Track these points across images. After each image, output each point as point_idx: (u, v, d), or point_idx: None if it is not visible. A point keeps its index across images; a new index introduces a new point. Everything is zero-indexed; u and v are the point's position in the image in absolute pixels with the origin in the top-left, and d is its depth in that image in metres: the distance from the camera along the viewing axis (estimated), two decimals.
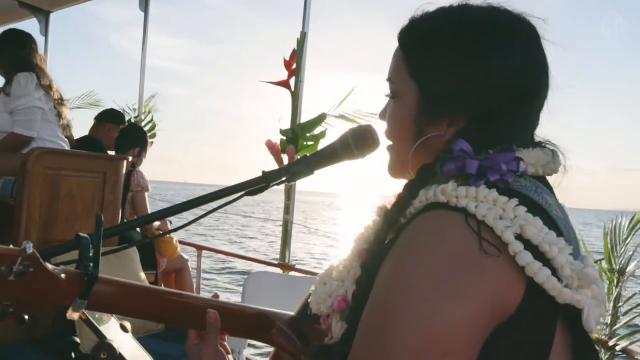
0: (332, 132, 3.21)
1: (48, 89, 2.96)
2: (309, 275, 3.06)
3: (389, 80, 0.85)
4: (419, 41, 0.81)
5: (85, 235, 0.76)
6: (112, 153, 3.59)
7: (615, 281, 2.58)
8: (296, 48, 3.18)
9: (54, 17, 5.08)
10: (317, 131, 3.14)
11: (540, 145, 0.80)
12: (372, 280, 0.72)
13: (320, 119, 3.14)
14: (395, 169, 0.88)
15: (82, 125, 3.16)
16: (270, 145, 3.17)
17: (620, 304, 2.53)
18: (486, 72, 0.76)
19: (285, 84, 3.23)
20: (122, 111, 4.25)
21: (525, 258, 0.64)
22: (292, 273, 3.22)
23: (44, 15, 5.02)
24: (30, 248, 0.70)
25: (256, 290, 2.60)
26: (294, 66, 3.19)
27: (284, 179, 0.94)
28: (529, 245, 0.65)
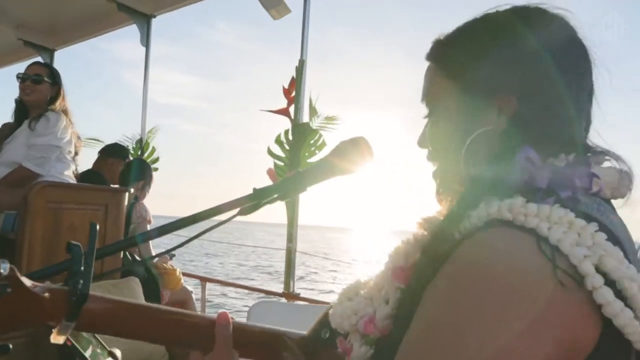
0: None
1: (74, 133, 3.01)
2: (313, 304, 3.01)
3: (425, 96, 0.80)
4: (450, 46, 0.77)
5: (78, 243, 0.69)
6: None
7: None
8: (295, 76, 3.20)
9: (58, 54, 5.19)
10: (315, 157, 3.13)
11: (604, 154, 0.72)
12: (416, 303, 0.63)
13: (313, 132, 3.14)
14: (445, 193, 0.78)
15: (83, 161, 3.20)
16: (272, 174, 3.17)
17: None
18: (523, 50, 0.71)
19: (285, 112, 3.24)
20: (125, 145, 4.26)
21: (606, 295, 0.54)
22: (297, 302, 3.17)
23: (48, 54, 5.12)
24: (5, 268, 0.64)
25: (260, 319, 2.55)
26: (293, 94, 3.21)
27: (276, 195, 0.92)
28: (607, 279, 0.56)
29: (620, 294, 0.56)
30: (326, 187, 0.95)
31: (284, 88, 3.23)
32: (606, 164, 0.70)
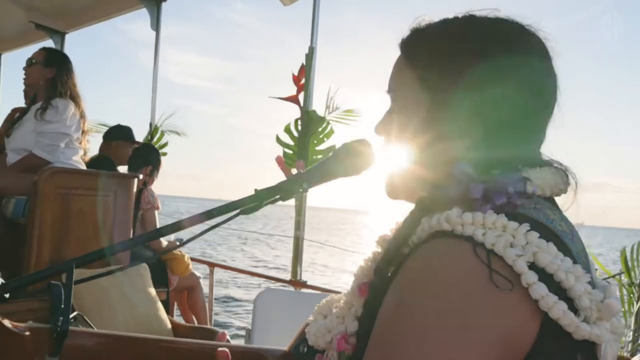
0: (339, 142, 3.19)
1: (81, 117, 3.00)
2: (320, 292, 3.02)
3: (392, 90, 0.82)
4: (427, 48, 0.78)
5: (57, 283, 0.72)
6: (121, 168, 3.62)
7: (636, 295, 2.48)
8: (304, 63, 3.18)
9: (69, 37, 5.18)
10: (324, 145, 3.12)
11: (548, 163, 0.76)
12: (375, 317, 0.67)
13: (321, 120, 3.12)
14: (396, 189, 0.83)
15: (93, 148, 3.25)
16: (280, 162, 3.16)
17: None
18: (502, 81, 0.72)
19: (294, 99, 3.22)
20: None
21: (540, 290, 0.58)
22: (304, 290, 3.18)
23: (59, 37, 5.11)
24: None
25: (267, 307, 2.57)
26: (303, 81, 3.18)
27: (278, 196, 0.92)
28: (543, 274, 0.59)
29: (560, 286, 0.60)
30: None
31: (293, 75, 3.20)
32: (543, 169, 0.74)
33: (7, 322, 0.71)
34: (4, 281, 0.77)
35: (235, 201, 0.91)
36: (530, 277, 0.58)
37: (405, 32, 0.82)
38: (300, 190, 0.91)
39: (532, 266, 0.60)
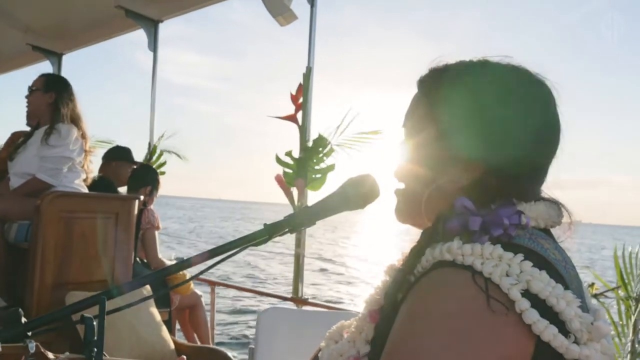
0: (340, 163, 3.21)
1: (83, 138, 3.05)
2: (322, 309, 3.04)
3: (405, 125, 0.89)
4: (440, 87, 0.84)
5: (90, 316, 0.77)
6: (121, 189, 3.64)
7: (633, 309, 2.52)
8: (302, 82, 3.22)
9: (65, 58, 5.23)
10: (324, 164, 3.15)
11: (543, 199, 0.83)
12: (385, 340, 0.73)
13: (321, 142, 3.15)
14: (405, 214, 0.90)
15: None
16: (279, 180, 3.20)
17: None
18: (506, 123, 0.79)
19: (292, 118, 3.26)
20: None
21: (531, 316, 0.64)
22: (306, 307, 3.20)
23: (56, 58, 5.16)
24: (32, 347, 0.74)
25: (270, 327, 2.58)
26: (301, 100, 3.23)
27: (286, 230, 0.95)
28: (536, 300, 0.65)
29: (552, 310, 0.66)
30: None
31: (291, 94, 3.24)
32: (537, 203, 0.80)
33: (50, 354, 0.77)
34: (25, 320, 0.80)
35: (245, 236, 0.95)
36: (523, 304, 0.65)
37: (423, 71, 0.89)
38: (308, 224, 0.95)
39: (526, 293, 0.66)
